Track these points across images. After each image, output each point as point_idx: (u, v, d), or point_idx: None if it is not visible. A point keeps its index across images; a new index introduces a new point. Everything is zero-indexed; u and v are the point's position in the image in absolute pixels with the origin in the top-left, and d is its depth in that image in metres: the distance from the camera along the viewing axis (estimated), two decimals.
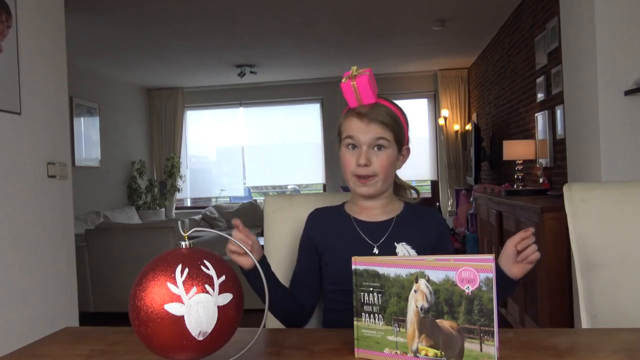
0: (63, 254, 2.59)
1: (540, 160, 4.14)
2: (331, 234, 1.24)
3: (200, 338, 0.78)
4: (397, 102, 1.24)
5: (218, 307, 0.79)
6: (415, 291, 0.85)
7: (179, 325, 0.77)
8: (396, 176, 1.29)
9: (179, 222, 1.01)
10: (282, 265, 1.40)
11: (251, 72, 6.79)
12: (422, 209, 1.28)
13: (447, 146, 7.50)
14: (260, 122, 8.24)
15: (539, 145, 4.18)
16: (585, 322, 1.24)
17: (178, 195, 8.13)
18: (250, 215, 7.57)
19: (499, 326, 0.80)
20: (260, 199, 8.11)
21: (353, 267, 0.91)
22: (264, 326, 0.91)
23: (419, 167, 7.66)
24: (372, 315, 0.89)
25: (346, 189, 1.30)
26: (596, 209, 1.28)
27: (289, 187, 8.53)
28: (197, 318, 0.77)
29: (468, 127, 7.12)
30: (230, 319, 0.81)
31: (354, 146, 1.18)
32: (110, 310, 4.10)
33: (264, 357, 0.94)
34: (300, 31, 5.35)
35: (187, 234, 0.85)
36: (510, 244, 1.04)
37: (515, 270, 1.05)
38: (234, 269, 0.88)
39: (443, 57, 6.78)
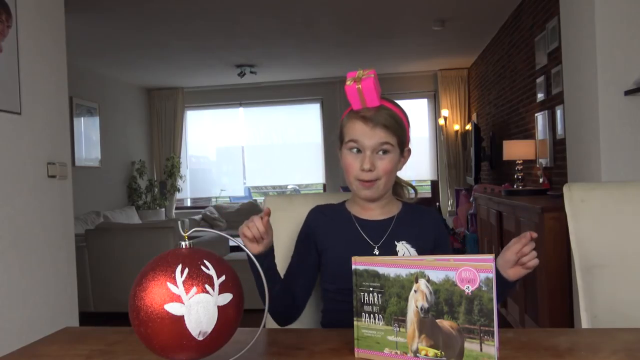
0: (63, 254, 2.59)
1: (540, 160, 4.14)
2: (332, 233, 1.24)
3: (200, 338, 0.78)
4: (397, 102, 1.23)
5: (218, 307, 0.79)
6: (415, 291, 0.85)
7: (179, 325, 0.77)
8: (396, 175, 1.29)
9: (179, 222, 1.01)
10: (282, 265, 1.40)
11: (251, 72, 6.79)
12: (420, 209, 1.28)
13: (447, 146, 7.50)
14: (260, 122, 8.24)
15: (539, 145, 4.18)
16: (585, 322, 1.24)
17: (178, 195, 8.13)
18: (250, 215, 7.53)
19: (499, 326, 0.80)
20: (260, 199, 8.11)
21: (353, 267, 0.91)
22: (264, 326, 0.91)
23: (419, 167, 7.66)
24: (372, 315, 0.89)
25: (346, 189, 1.30)
26: (596, 209, 1.28)
27: (289, 187, 8.53)
28: (197, 318, 0.77)
29: (468, 127, 7.12)
30: (230, 319, 0.81)
31: (358, 150, 1.17)
32: (110, 310, 4.10)
33: (264, 357, 0.94)
34: (300, 31, 5.35)
35: (187, 234, 0.85)
36: (511, 251, 1.02)
37: (511, 272, 1.04)
38: (235, 270, 0.88)
39: (443, 57, 6.78)
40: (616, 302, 1.25)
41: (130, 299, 0.80)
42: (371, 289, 0.89)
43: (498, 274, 1.05)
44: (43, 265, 2.43)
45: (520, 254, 1.01)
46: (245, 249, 1.00)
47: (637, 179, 2.25)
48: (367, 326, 0.90)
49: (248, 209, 7.65)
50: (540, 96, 4.12)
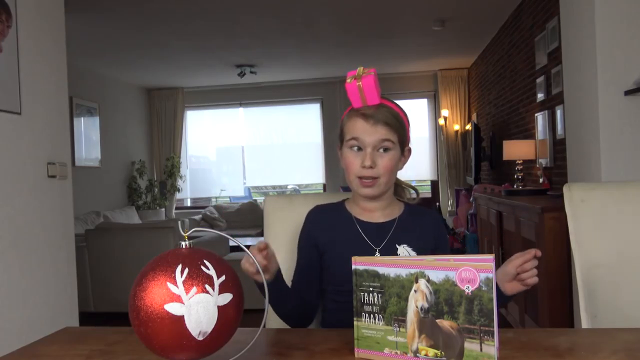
0: (63, 254, 2.59)
1: (540, 160, 4.14)
2: (333, 234, 1.24)
3: (200, 338, 0.78)
4: (397, 102, 1.23)
5: (218, 307, 0.79)
6: (415, 291, 0.85)
7: (179, 325, 0.77)
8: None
9: (179, 222, 1.01)
10: (282, 265, 1.39)
11: (251, 72, 6.80)
12: (421, 210, 1.28)
13: (447, 146, 7.50)
14: (260, 122, 8.24)
15: (539, 145, 4.18)
16: (585, 322, 1.24)
17: (178, 195, 8.13)
18: (250, 215, 7.57)
19: (499, 326, 0.80)
20: (260, 199, 8.11)
21: (353, 267, 0.91)
22: (264, 326, 0.91)
23: (419, 167, 7.66)
24: (372, 315, 0.89)
25: (346, 189, 1.29)
26: (596, 209, 1.28)
27: (289, 187, 8.53)
28: (197, 318, 0.77)
29: (468, 127, 7.12)
30: (230, 319, 0.81)
31: (359, 148, 1.17)
32: (110, 310, 4.10)
33: (264, 357, 0.94)
34: (300, 31, 5.35)
35: (187, 234, 0.85)
36: (512, 265, 1.02)
37: (509, 287, 1.04)
38: (235, 269, 0.88)
39: (443, 57, 6.78)
40: (616, 302, 1.25)
41: (130, 299, 0.80)
42: (371, 289, 0.89)
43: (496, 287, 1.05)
44: (43, 265, 2.43)
45: (521, 270, 1.01)
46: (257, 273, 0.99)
47: (637, 179, 2.25)
48: (367, 326, 0.90)
49: (248, 209, 7.66)
50: (540, 96, 4.12)
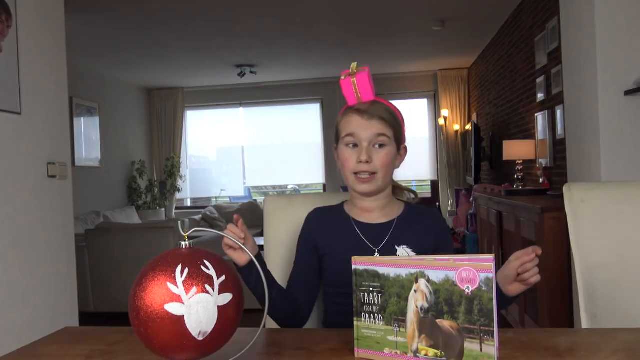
0: (63, 254, 2.59)
1: (540, 160, 4.14)
2: (332, 237, 1.23)
3: (200, 338, 0.78)
4: (397, 102, 1.24)
5: (218, 307, 0.79)
6: (415, 291, 0.85)
7: (179, 325, 0.77)
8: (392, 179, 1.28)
9: (179, 222, 1.01)
10: (281, 265, 1.40)
11: (251, 72, 6.79)
12: (421, 209, 1.27)
13: (447, 146, 7.50)
14: (260, 122, 8.24)
15: (539, 145, 4.18)
16: (585, 322, 1.24)
17: (178, 195, 8.13)
18: (250, 215, 7.57)
19: (499, 326, 0.80)
20: (260, 199, 8.11)
21: (353, 267, 0.91)
22: (264, 326, 0.91)
23: (419, 167, 7.65)
24: (372, 315, 0.89)
25: (346, 189, 1.29)
26: (596, 209, 1.28)
27: (289, 187, 8.53)
28: (197, 318, 0.77)
29: (468, 127, 7.12)
30: (230, 319, 0.81)
31: (355, 145, 1.17)
32: (110, 310, 4.10)
33: (264, 357, 0.94)
34: (300, 31, 5.35)
35: (187, 234, 0.85)
36: (511, 267, 1.02)
37: (511, 288, 1.04)
38: (234, 268, 0.88)
39: (443, 57, 6.78)
40: (616, 302, 1.25)
41: (130, 299, 0.80)
42: (371, 289, 0.89)
43: (498, 290, 1.04)
44: (43, 265, 2.43)
45: (522, 269, 1.00)
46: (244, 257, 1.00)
47: (637, 179, 2.25)
48: (367, 326, 0.90)
49: (248, 209, 7.65)
50: (540, 96, 4.12)
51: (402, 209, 1.25)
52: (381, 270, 0.88)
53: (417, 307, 0.84)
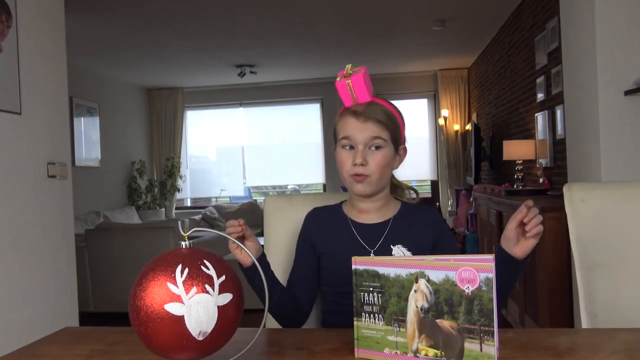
0: (63, 254, 2.59)
1: (540, 160, 4.14)
2: (329, 237, 1.24)
3: (200, 338, 0.78)
4: (397, 102, 1.23)
5: (218, 307, 0.79)
6: (415, 291, 0.85)
7: (179, 325, 0.77)
8: (393, 177, 1.28)
9: (179, 222, 1.01)
10: (282, 265, 1.40)
11: (251, 72, 6.80)
12: (418, 208, 1.27)
13: (447, 146, 7.50)
14: (260, 122, 8.24)
15: (539, 145, 4.18)
16: (585, 322, 1.24)
17: (178, 195, 8.13)
18: (250, 215, 7.56)
19: (499, 326, 0.80)
20: (260, 199, 8.11)
21: (353, 267, 0.91)
22: (264, 326, 0.91)
23: (419, 167, 7.66)
24: (372, 315, 0.89)
25: (346, 189, 1.29)
26: (596, 209, 1.28)
27: (289, 187, 8.53)
28: (197, 318, 0.77)
29: (468, 127, 7.12)
30: (230, 319, 0.81)
31: (351, 147, 1.17)
32: (110, 310, 4.10)
33: (264, 357, 0.94)
34: (300, 31, 5.35)
35: (187, 234, 0.85)
36: (510, 228, 1.01)
37: (518, 250, 1.02)
38: (234, 268, 0.88)
39: (443, 57, 6.78)
40: (616, 302, 1.25)
41: (130, 299, 0.80)
42: (371, 289, 0.89)
43: (506, 256, 1.03)
44: (43, 265, 2.43)
45: (526, 227, 0.99)
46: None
47: (637, 179, 2.25)
48: (367, 326, 0.90)
49: (248, 209, 7.65)
50: (540, 96, 4.12)
51: (398, 209, 1.25)
52: (381, 270, 0.88)
53: (417, 307, 0.84)
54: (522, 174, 4.22)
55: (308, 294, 1.26)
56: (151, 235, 4.02)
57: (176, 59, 6.30)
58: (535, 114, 4.24)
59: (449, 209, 7.41)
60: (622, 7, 2.29)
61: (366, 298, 0.90)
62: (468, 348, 0.80)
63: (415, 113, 7.70)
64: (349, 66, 1.13)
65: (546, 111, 3.94)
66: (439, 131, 7.63)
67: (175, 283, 0.78)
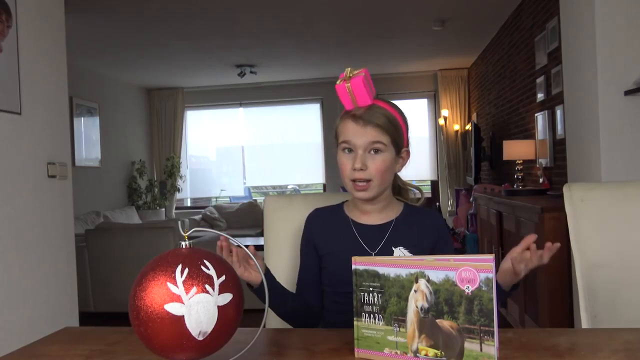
0: (63, 254, 2.59)
1: (540, 160, 4.14)
2: (330, 238, 1.24)
3: (200, 338, 0.78)
4: (397, 102, 1.22)
5: (218, 307, 0.79)
6: (415, 291, 0.85)
7: (179, 325, 0.77)
8: (398, 178, 1.28)
9: (179, 222, 1.01)
10: (282, 265, 1.40)
11: (251, 72, 6.79)
12: (421, 211, 1.26)
13: (447, 146, 7.50)
14: (260, 122, 8.24)
15: (539, 145, 4.18)
16: (585, 322, 1.24)
17: (178, 195, 8.13)
18: (250, 215, 7.57)
19: (499, 326, 0.80)
20: (260, 199, 8.11)
21: (353, 267, 0.91)
22: (264, 326, 0.91)
23: (419, 167, 7.66)
24: (372, 315, 0.89)
25: (346, 189, 1.29)
26: (596, 209, 1.28)
27: (289, 187, 8.53)
28: (197, 318, 0.77)
29: (468, 127, 7.12)
30: (230, 319, 0.81)
31: (350, 150, 1.16)
32: (110, 310, 4.10)
33: (264, 357, 0.94)
34: (300, 31, 5.35)
35: (187, 234, 0.85)
36: (511, 263, 1.02)
37: (508, 279, 1.04)
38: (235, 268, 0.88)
39: (443, 57, 6.77)
40: (616, 302, 1.25)
41: (130, 299, 0.80)
42: (371, 289, 0.89)
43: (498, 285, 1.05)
44: (43, 265, 2.43)
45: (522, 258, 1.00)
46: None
47: (637, 179, 2.25)
48: (367, 326, 0.90)
49: (248, 209, 7.65)
50: (540, 96, 4.12)
51: (400, 210, 1.25)
52: (381, 270, 0.88)
53: (417, 307, 0.84)
54: (522, 174, 4.22)
55: (318, 294, 1.26)
56: (151, 235, 4.02)
57: (176, 59, 6.30)
58: (535, 114, 4.24)
59: (449, 209, 7.41)
60: (622, 7, 2.29)
61: (366, 298, 0.90)
62: (468, 348, 0.80)
63: (415, 113, 7.70)
64: (348, 69, 1.11)
65: (546, 111, 3.94)
66: (439, 131, 7.63)
67: (175, 283, 0.78)
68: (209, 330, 0.79)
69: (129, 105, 7.58)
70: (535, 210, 2.76)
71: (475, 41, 6.03)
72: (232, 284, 0.82)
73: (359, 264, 0.91)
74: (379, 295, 0.88)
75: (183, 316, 0.77)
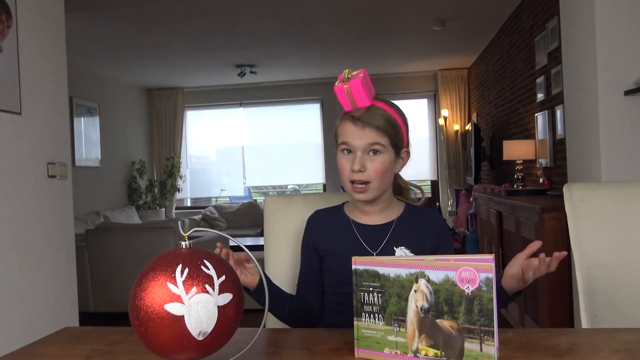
0: (63, 254, 2.59)
1: (540, 160, 4.14)
2: (331, 239, 1.24)
3: (200, 338, 0.78)
4: (397, 102, 1.22)
5: (218, 307, 0.79)
6: (415, 291, 0.85)
7: (179, 325, 0.77)
8: (400, 178, 1.27)
9: (179, 222, 1.01)
10: (282, 265, 1.40)
11: (251, 72, 6.79)
12: (422, 211, 1.26)
13: (447, 146, 7.50)
14: (260, 122, 8.24)
15: (539, 145, 4.18)
16: (585, 322, 1.24)
17: (178, 195, 8.13)
18: (250, 215, 7.57)
19: (499, 326, 0.80)
20: (260, 199, 8.11)
21: (353, 267, 0.91)
22: (264, 326, 0.91)
23: (419, 167, 7.66)
24: (372, 315, 0.89)
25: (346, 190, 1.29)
26: (596, 209, 1.28)
27: (289, 187, 8.53)
28: (197, 318, 0.77)
29: (468, 127, 7.12)
30: (230, 319, 0.81)
31: (349, 151, 1.16)
32: (110, 310, 4.10)
33: (264, 357, 0.94)
34: (300, 31, 5.35)
35: (187, 234, 0.85)
36: (519, 268, 1.01)
37: (514, 284, 1.04)
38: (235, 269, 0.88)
39: (443, 57, 6.77)
40: (616, 302, 1.25)
41: (130, 299, 0.80)
42: (371, 289, 0.89)
43: (501, 291, 1.05)
44: (43, 265, 2.43)
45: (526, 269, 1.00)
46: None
47: (637, 179, 2.25)
48: (367, 326, 0.90)
49: (248, 209, 7.65)
50: (540, 96, 4.12)
51: (401, 210, 1.25)
52: (381, 270, 0.88)
53: (417, 307, 0.84)
54: (522, 174, 4.22)
55: (318, 295, 1.27)
56: (151, 235, 4.02)
57: (176, 59, 6.30)
58: (535, 114, 4.24)
59: (449, 209, 7.41)
60: (622, 7, 2.29)
61: (366, 298, 0.90)
62: (468, 348, 0.80)
63: (415, 113, 7.70)
64: (347, 70, 1.11)
65: (546, 111, 3.94)
66: (439, 131, 7.63)
67: (175, 283, 0.78)
68: (209, 330, 0.79)
69: (129, 105, 7.58)
70: (535, 210, 2.76)
71: (475, 41, 6.03)
72: (232, 284, 0.82)
73: (359, 264, 0.91)
74: (379, 295, 0.88)
75: (183, 316, 0.77)
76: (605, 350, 0.91)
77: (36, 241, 2.39)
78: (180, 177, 8.02)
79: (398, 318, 0.87)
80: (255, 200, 8.06)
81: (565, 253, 0.98)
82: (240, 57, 6.32)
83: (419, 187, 1.31)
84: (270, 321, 1.34)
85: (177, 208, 8.18)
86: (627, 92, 2.27)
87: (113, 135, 7.02)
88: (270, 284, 1.19)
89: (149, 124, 8.13)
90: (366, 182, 1.15)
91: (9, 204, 2.24)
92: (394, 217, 1.23)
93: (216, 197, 8.46)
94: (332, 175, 7.80)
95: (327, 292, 1.26)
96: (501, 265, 3.59)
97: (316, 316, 1.27)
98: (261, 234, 5.74)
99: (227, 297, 0.80)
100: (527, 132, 4.59)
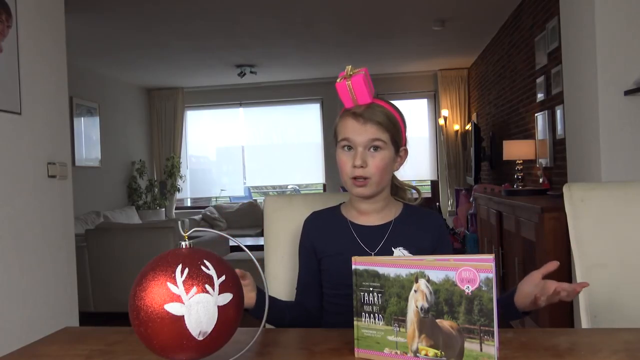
0: (63, 254, 2.59)
1: (540, 160, 4.14)
2: (328, 240, 1.24)
3: (200, 338, 0.78)
4: (397, 102, 1.22)
5: (218, 307, 0.79)
6: (415, 291, 0.85)
7: (179, 325, 0.77)
8: (395, 178, 1.27)
9: (179, 222, 1.01)
10: (282, 265, 1.40)
11: (251, 72, 6.80)
12: (421, 211, 1.26)
13: (447, 146, 7.50)
14: (260, 122, 8.24)
15: (539, 145, 4.18)
16: (585, 322, 1.24)
17: (178, 195, 8.13)
18: (250, 215, 7.57)
19: (499, 326, 0.80)
20: (260, 199, 8.11)
21: (353, 267, 0.91)
22: (264, 326, 0.91)
23: (419, 167, 7.66)
24: (372, 315, 0.89)
25: (346, 189, 1.29)
26: (596, 209, 1.28)
27: (289, 187, 8.53)
28: (197, 318, 0.77)
29: (468, 127, 7.12)
30: (230, 319, 0.81)
31: (350, 147, 1.17)
32: (110, 310, 4.10)
33: (264, 357, 0.94)
34: (300, 31, 5.35)
35: (187, 234, 0.85)
36: (537, 275, 1.03)
37: (528, 304, 1.05)
38: (234, 268, 0.88)
39: (443, 57, 6.78)
40: (616, 302, 1.25)
41: (130, 299, 0.80)
42: (371, 289, 0.89)
43: (509, 301, 1.06)
44: (43, 265, 2.43)
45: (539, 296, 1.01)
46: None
47: (637, 179, 2.25)
48: (367, 326, 0.90)
49: (248, 209, 7.65)
50: (540, 96, 4.12)
51: (399, 211, 1.25)
52: (381, 270, 0.88)
53: (417, 307, 0.84)
54: (522, 174, 4.22)
55: (317, 297, 1.27)
56: (151, 235, 4.02)
57: (176, 59, 6.30)
58: (535, 114, 4.24)
59: (449, 209, 7.41)
60: (622, 7, 2.29)
61: (366, 298, 0.90)
62: (468, 348, 0.80)
63: (415, 113, 7.70)
64: (349, 67, 1.12)
65: (546, 111, 3.94)
66: (439, 131, 7.63)
67: (175, 283, 0.78)
68: (209, 330, 0.79)
69: (129, 105, 7.58)
70: (535, 210, 2.76)
71: (475, 41, 6.03)
72: (232, 284, 0.82)
73: (358, 264, 0.91)
74: (379, 295, 0.88)
75: (183, 316, 0.77)
76: (605, 350, 0.91)
77: (36, 241, 2.39)
78: (180, 177, 8.02)
79: (398, 318, 0.87)
80: (255, 200, 8.07)
81: (586, 284, 1.00)
82: (240, 57, 6.32)
83: (415, 188, 1.31)
84: None
85: (177, 208, 8.19)
86: (627, 92, 2.27)
87: (113, 135, 7.02)
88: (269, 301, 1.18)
89: (149, 124, 8.13)
90: (366, 178, 1.15)
91: (9, 204, 2.24)
92: (392, 218, 1.23)
93: (216, 197, 8.46)
94: (332, 175, 7.80)
95: (326, 294, 1.26)
96: (501, 265, 3.59)
97: (315, 318, 1.27)
98: (261, 234, 5.75)
99: (227, 297, 0.80)
100: (527, 132, 4.59)
